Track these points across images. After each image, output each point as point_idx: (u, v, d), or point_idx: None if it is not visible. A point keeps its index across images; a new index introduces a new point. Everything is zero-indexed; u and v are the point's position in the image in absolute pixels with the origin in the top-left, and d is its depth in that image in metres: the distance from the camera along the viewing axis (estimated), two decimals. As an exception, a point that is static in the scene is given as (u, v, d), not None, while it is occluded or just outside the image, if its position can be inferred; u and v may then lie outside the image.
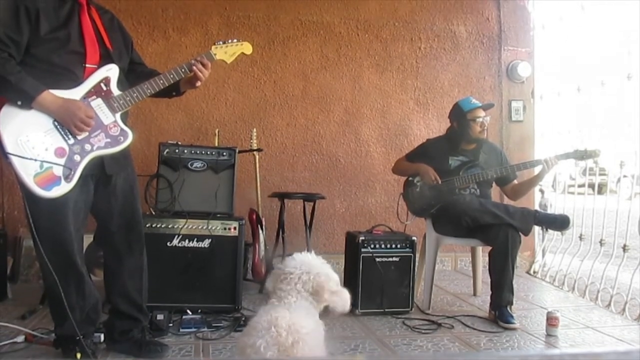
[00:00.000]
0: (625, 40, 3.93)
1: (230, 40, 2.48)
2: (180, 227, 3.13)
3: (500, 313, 3.10)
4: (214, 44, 2.46)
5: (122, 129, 2.23)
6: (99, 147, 2.17)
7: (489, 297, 3.25)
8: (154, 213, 3.21)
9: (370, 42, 4.63)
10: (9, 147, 2.00)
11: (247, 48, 2.52)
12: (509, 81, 4.82)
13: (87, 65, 2.19)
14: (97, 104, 2.19)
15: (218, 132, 3.95)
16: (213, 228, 3.16)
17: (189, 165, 3.29)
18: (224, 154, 3.37)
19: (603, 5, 4.03)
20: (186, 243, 3.14)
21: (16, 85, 2.01)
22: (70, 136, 2.13)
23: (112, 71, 2.24)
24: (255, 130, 4.03)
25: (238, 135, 4.34)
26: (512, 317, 3.07)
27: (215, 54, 2.44)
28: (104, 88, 2.21)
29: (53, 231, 2.17)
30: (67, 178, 2.08)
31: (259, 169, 4.01)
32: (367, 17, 4.62)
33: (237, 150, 3.42)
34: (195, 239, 3.15)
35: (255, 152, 3.95)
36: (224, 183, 3.33)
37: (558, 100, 4.65)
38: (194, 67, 2.35)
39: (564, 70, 4.60)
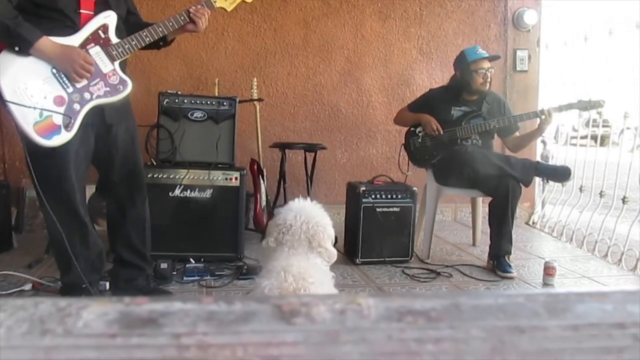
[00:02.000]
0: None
1: None
2: (181, 177, 3.13)
3: (498, 262, 3.15)
4: None
5: (121, 78, 2.20)
6: (98, 96, 2.15)
7: (487, 247, 3.29)
8: (155, 163, 3.21)
9: (373, -12, 4.51)
10: (7, 95, 1.98)
11: None
12: (514, 29, 4.71)
13: (82, 11, 2.15)
14: (96, 51, 2.15)
15: (218, 81, 3.90)
16: (214, 178, 3.17)
17: (189, 115, 3.27)
18: (225, 103, 3.34)
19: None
20: (188, 193, 3.15)
21: (14, 31, 1.97)
22: (69, 84, 2.10)
23: (109, 18, 2.19)
24: (255, 79, 3.98)
25: (238, 85, 4.29)
26: (509, 266, 3.12)
27: (215, 1, 2.37)
28: (102, 35, 2.16)
29: (55, 181, 2.17)
30: (67, 127, 2.07)
31: (260, 119, 3.99)
32: (370, -38, 4.48)
33: (237, 100, 3.39)
34: (197, 189, 3.16)
35: (255, 102, 3.92)
36: (225, 133, 3.32)
37: (564, 49, 4.57)
38: (193, 16, 2.29)
39: (571, 18, 4.50)
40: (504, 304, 0.33)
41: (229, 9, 2.43)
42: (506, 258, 3.17)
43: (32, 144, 2.03)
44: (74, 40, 2.12)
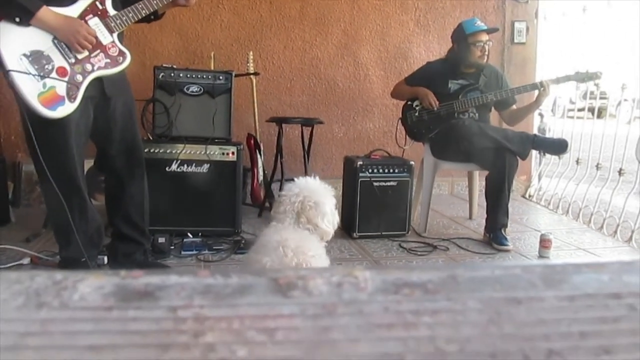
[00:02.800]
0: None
1: None
2: (178, 152, 3.12)
3: (494, 235, 3.17)
4: None
5: (120, 50, 2.19)
6: (99, 67, 2.14)
7: (484, 221, 3.31)
8: (151, 138, 3.20)
9: (370, -41, 4.44)
10: (10, 65, 1.95)
11: None
12: (512, 1, 4.66)
13: None
14: (94, 22, 2.14)
15: (214, 55, 3.86)
16: (211, 153, 3.16)
17: (185, 90, 3.24)
18: (221, 77, 3.31)
19: None
20: (185, 168, 3.15)
21: (14, 1, 1.95)
22: (70, 55, 2.08)
23: None
24: (251, 53, 3.94)
25: (234, 59, 4.25)
26: (506, 239, 3.14)
27: None
28: (100, 7, 2.15)
29: (56, 154, 2.16)
30: (71, 98, 2.05)
31: (256, 94, 3.96)
32: None
33: (233, 74, 3.36)
34: (194, 164, 3.15)
35: (252, 76, 3.89)
36: (221, 108, 3.30)
37: (562, 20, 4.52)
38: None
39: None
40: (501, 275, 0.34)
41: None
42: (502, 231, 3.19)
43: (34, 115, 2.01)
44: (72, 11, 2.10)
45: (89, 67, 2.12)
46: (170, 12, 2.41)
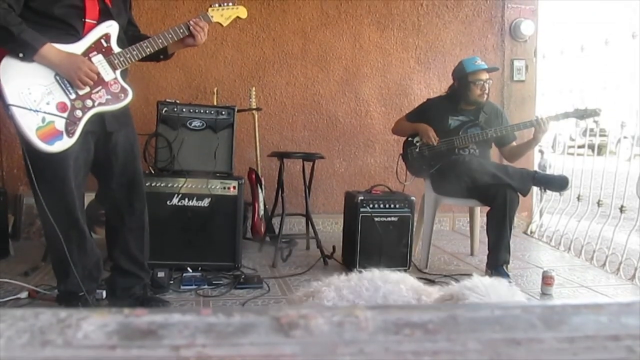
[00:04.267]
0: (631, -1, 3.86)
1: (225, 3, 2.43)
2: (179, 186, 3.14)
3: (496, 272, 3.14)
4: (210, 6, 2.42)
5: (122, 86, 2.23)
6: (100, 103, 2.17)
7: (486, 257, 3.29)
8: (153, 172, 3.21)
9: (371, -2, 4.54)
10: (11, 99, 1.98)
11: (242, 12, 2.49)
12: (511, 40, 4.74)
13: (86, 20, 2.17)
14: (98, 60, 2.18)
15: (217, 90, 3.91)
16: (212, 187, 3.17)
17: (188, 124, 3.28)
18: (223, 112, 3.35)
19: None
20: (186, 202, 3.15)
21: (19, 37, 1.98)
22: (71, 91, 2.12)
23: (112, 28, 2.22)
24: (254, 89, 4.00)
25: (237, 94, 4.30)
26: (508, 276, 3.11)
27: (212, 16, 2.41)
28: (105, 44, 2.20)
29: (54, 187, 2.17)
30: (69, 133, 2.08)
31: (258, 128, 4.00)
32: (368, -27, 4.51)
33: (236, 109, 3.40)
34: (195, 198, 3.16)
35: (254, 111, 3.93)
36: (223, 142, 3.32)
37: (561, 59, 4.60)
38: (192, 29, 2.33)
39: (568, 28, 4.53)
40: (501, 315, 0.34)
41: (224, 24, 2.46)
42: (504, 267, 3.16)
43: (33, 149, 2.03)
44: (77, 48, 2.15)
45: (89, 103, 2.15)
46: (179, 49, 2.46)
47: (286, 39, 4.43)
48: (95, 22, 2.19)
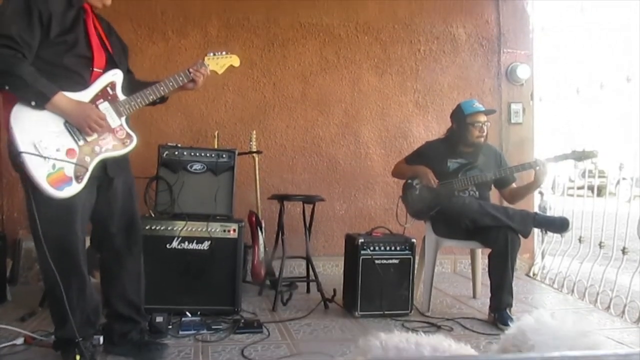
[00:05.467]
0: (624, 43, 3.93)
1: (220, 52, 2.54)
2: (179, 229, 3.13)
3: (499, 315, 3.10)
4: (206, 55, 2.51)
5: (127, 133, 2.28)
6: (107, 149, 2.22)
7: (488, 300, 3.25)
8: (153, 215, 3.21)
9: (369, 44, 4.64)
10: (22, 147, 2.01)
11: (235, 60, 2.59)
12: (508, 83, 4.82)
13: (94, 69, 2.23)
14: (105, 107, 2.23)
15: (217, 134, 3.95)
16: (212, 230, 3.16)
17: (189, 168, 3.30)
18: (224, 156, 3.37)
19: (602, 7, 4.03)
20: (185, 245, 3.14)
21: (32, 85, 2.02)
22: (80, 137, 2.16)
23: (117, 76, 2.29)
24: (254, 132, 4.03)
25: (237, 137, 4.34)
26: (511, 319, 3.06)
27: (208, 65, 2.49)
28: (110, 92, 2.25)
29: (61, 233, 2.18)
30: (78, 178, 2.12)
31: (259, 171, 4.01)
32: (366, 20, 4.63)
33: (236, 152, 3.42)
34: (195, 241, 3.15)
35: (254, 154, 3.96)
36: (224, 185, 3.33)
37: (557, 102, 4.65)
38: (193, 75, 2.41)
39: (564, 72, 4.61)
40: None
41: (219, 72, 2.55)
42: (507, 311, 3.12)
43: (40, 195, 2.04)
44: (84, 96, 2.19)
45: (97, 149, 2.20)
46: (176, 93, 2.51)
47: (287, 84, 4.51)
48: (101, 70, 2.25)
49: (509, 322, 3.02)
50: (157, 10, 4.28)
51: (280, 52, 4.49)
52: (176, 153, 3.30)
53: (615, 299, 3.45)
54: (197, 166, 3.31)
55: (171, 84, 2.38)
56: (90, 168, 2.16)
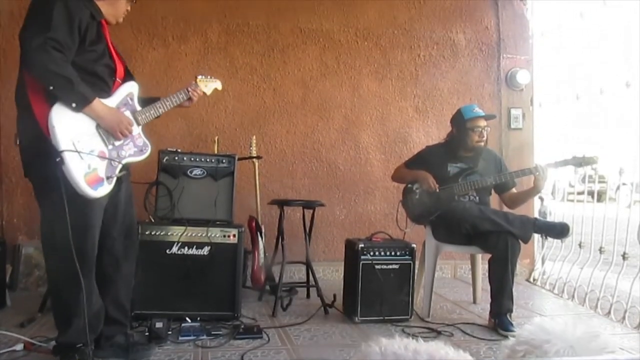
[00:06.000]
0: (624, 48, 3.94)
1: (209, 77, 2.79)
2: (179, 234, 3.12)
3: (500, 321, 3.09)
4: (198, 77, 2.75)
5: (144, 141, 2.44)
6: (129, 154, 2.36)
7: (488, 305, 3.24)
8: (153, 220, 3.20)
9: (369, 49, 4.65)
10: (63, 146, 2.08)
11: (219, 85, 2.84)
12: (508, 89, 4.83)
13: (116, 79, 2.37)
14: (127, 115, 2.37)
15: (217, 139, 3.95)
16: (212, 235, 3.16)
17: (189, 173, 3.30)
18: (224, 161, 3.37)
19: (602, 12, 4.04)
20: (185, 250, 3.13)
21: (76, 88, 2.11)
22: (109, 141, 2.27)
23: (134, 87, 2.44)
24: (254, 137, 4.04)
25: (237, 143, 4.34)
26: (511, 324, 3.06)
27: (199, 85, 2.72)
28: (130, 102, 2.40)
29: (83, 233, 2.23)
30: (109, 179, 2.24)
31: (259, 176, 4.01)
32: (366, 25, 4.64)
33: (236, 158, 3.42)
34: (195, 247, 3.14)
35: (254, 160, 3.96)
36: (224, 190, 3.33)
37: (557, 107, 4.66)
38: (191, 94, 2.63)
39: (563, 77, 4.61)
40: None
41: (208, 93, 2.78)
42: (508, 316, 3.11)
43: (74, 193, 2.11)
44: (111, 103, 2.31)
45: (122, 153, 2.34)
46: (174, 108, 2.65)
47: (286, 89, 4.51)
48: (121, 80, 2.39)
49: (510, 328, 3.03)
50: (158, 15, 4.29)
51: (280, 57, 4.50)
52: (176, 158, 3.30)
53: (616, 304, 3.44)
54: (197, 171, 3.31)
55: (176, 99, 2.58)
56: (117, 171, 2.29)
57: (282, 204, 3.70)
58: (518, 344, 1.23)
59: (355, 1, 4.62)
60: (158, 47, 4.28)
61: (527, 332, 1.24)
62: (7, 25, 3.93)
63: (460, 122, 3.47)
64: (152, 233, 3.09)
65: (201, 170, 3.31)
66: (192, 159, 3.33)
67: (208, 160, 3.35)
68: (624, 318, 3.33)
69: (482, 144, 3.45)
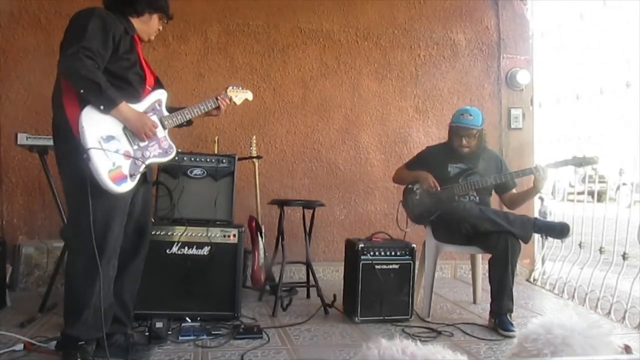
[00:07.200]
0: (624, 48, 3.94)
1: (240, 87, 2.98)
2: (179, 234, 3.12)
3: (500, 321, 3.09)
4: (229, 87, 2.92)
5: (170, 144, 2.58)
6: (154, 155, 2.49)
7: (488, 305, 3.24)
8: (153, 221, 3.20)
9: (369, 49, 4.65)
10: (90, 144, 2.21)
11: (250, 95, 3.02)
12: (508, 89, 4.83)
13: (146, 87, 2.51)
14: (154, 119, 2.50)
15: (217, 139, 3.95)
16: (212, 235, 3.16)
17: (189, 173, 3.29)
18: (224, 161, 3.37)
19: (602, 13, 4.04)
20: (185, 250, 3.13)
21: (105, 91, 2.23)
22: (135, 142, 2.40)
23: (163, 95, 2.60)
24: (254, 137, 4.04)
25: (238, 143, 4.35)
26: (512, 325, 3.06)
27: (230, 95, 2.89)
28: (158, 107, 2.57)
29: (106, 227, 2.31)
30: (132, 177, 2.35)
31: (259, 176, 4.01)
32: (366, 25, 4.64)
33: (236, 158, 3.42)
34: (195, 247, 3.14)
35: (254, 160, 3.96)
36: (224, 190, 3.33)
37: (557, 107, 4.66)
38: (220, 102, 2.78)
39: (563, 77, 4.61)
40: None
41: (238, 103, 2.98)
42: (508, 316, 3.11)
43: (99, 188, 2.22)
44: (139, 107, 2.45)
45: (147, 154, 2.46)
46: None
47: (287, 89, 4.51)
48: (151, 88, 2.55)
49: (510, 328, 3.03)
50: (158, 15, 4.28)
51: (280, 57, 4.50)
52: (176, 158, 3.26)
53: (616, 304, 3.44)
54: (197, 171, 3.31)
55: (203, 107, 2.73)
56: (141, 170, 2.40)
57: (282, 204, 3.70)
58: (529, 340, 1.25)
59: (355, 1, 4.62)
60: (158, 47, 4.27)
61: (542, 328, 1.26)
62: (7, 26, 3.92)
63: (450, 124, 3.51)
64: (152, 233, 3.07)
65: (201, 170, 3.31)
66: (192, 159, 3.33)
67: (208, 160, 3.35)
68: (624, 318, 3.33)
69: (467, 150, 3.45)
